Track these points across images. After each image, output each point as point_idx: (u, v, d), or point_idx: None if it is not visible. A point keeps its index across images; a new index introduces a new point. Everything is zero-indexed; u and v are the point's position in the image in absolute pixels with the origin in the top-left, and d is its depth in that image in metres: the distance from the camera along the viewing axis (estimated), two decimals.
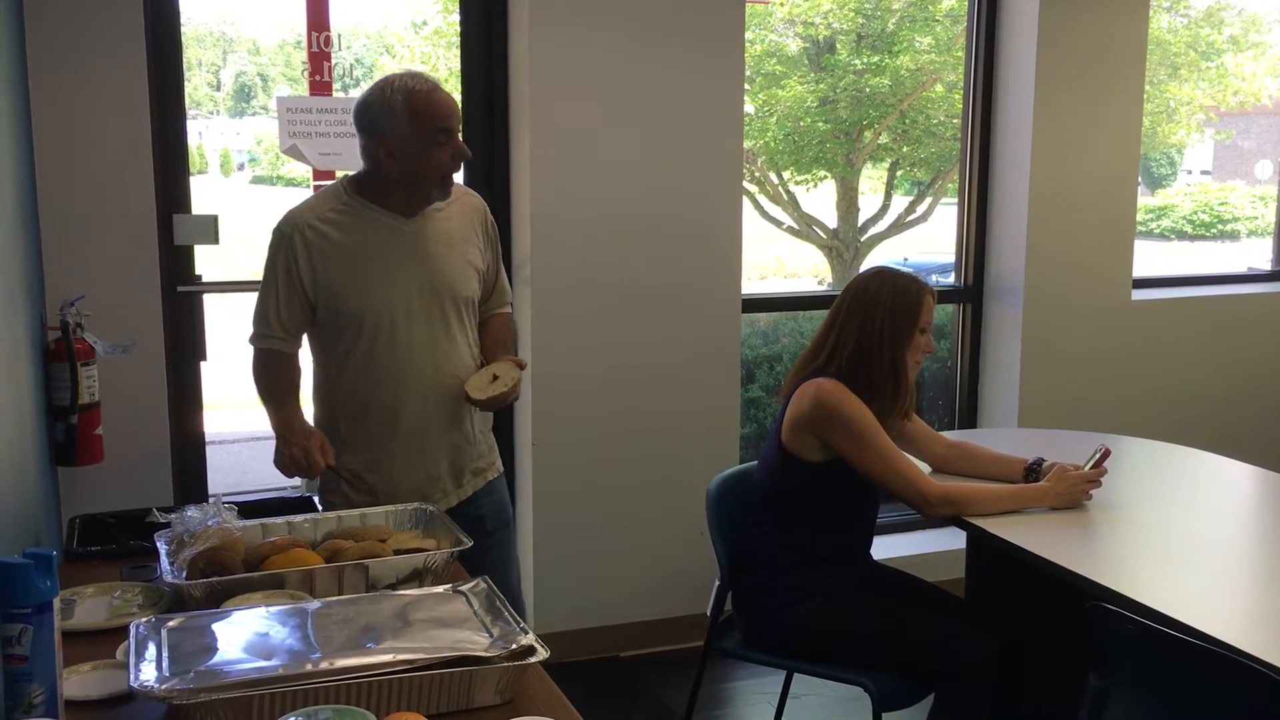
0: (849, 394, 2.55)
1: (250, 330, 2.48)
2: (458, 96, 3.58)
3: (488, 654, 1.52)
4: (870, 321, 2.59)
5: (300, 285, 2.40)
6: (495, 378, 2.47)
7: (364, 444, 2.47)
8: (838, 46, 8.44)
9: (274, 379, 2.47)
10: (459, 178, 2.49)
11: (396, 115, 2.33)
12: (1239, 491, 2.95)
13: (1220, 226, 14.13)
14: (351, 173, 2.54)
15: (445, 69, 8.43)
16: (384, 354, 2.42)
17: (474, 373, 2.50)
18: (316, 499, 2.52)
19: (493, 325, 2.63)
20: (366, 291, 2.39)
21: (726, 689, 3.56)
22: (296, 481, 2.67)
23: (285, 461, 2.41)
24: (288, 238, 2.39)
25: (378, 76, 2.44)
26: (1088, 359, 4.32)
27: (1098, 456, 2.61)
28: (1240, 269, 5.27)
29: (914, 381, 2.69)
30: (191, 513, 1.93)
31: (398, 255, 2.42)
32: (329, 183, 2.58)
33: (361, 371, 2.43)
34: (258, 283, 2.48)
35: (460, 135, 2.42)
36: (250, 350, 2.49)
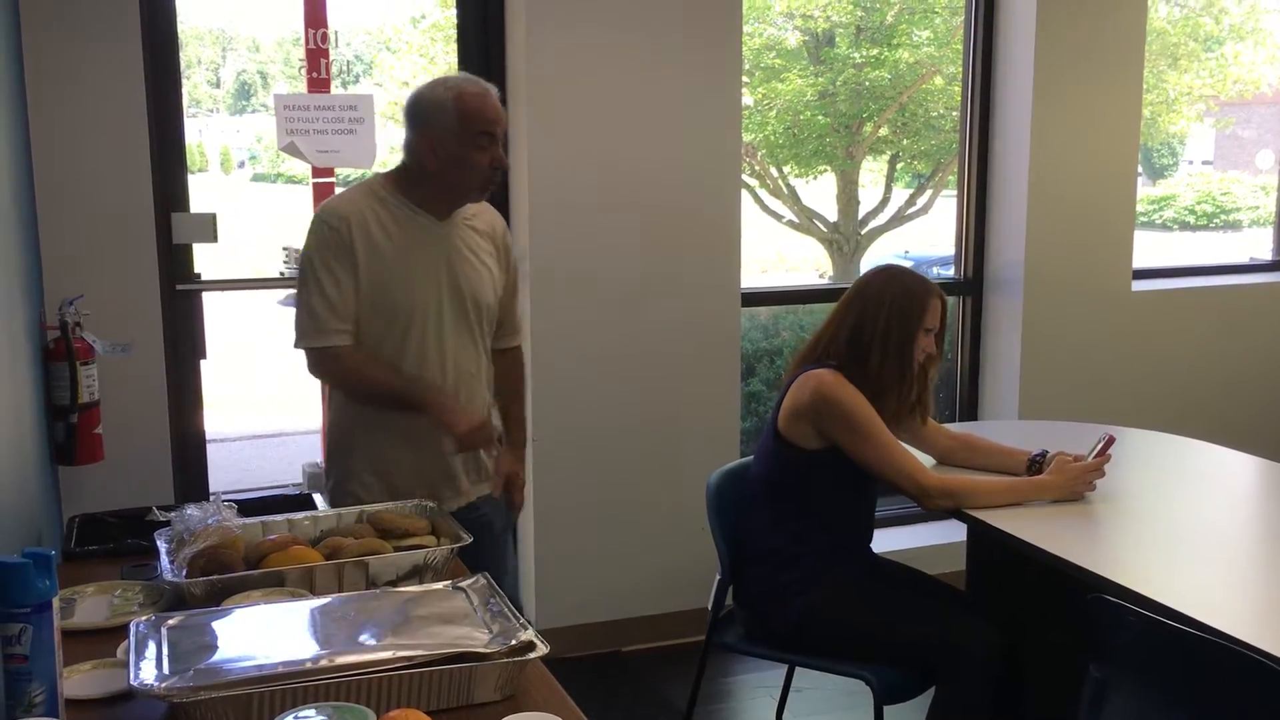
0: (848, 385, 2.55)
1: (303, 334, 2.37)
2: None
3: (488, 650, 1.52)
4: (871, 318, 2.59)
5: (355, 276, 2.38)
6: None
7: (385, 438, 2.46)
8: (837, 40, 8.42)
9: (371, 365, 2.40)
10: None
11: (445, 111, 2.36)
12: (1240, 482, 2.95)
13: (1223, 217, 14.12)
14: (385, 170, 2.53)
15: (444, 63, 8.43)
16: (415, 351, 2.43)
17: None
18: (321, 498, 2.52)
19: (507, 362, 2.66)
20: (408, 288, 2.40)
21: (728, 683, 3.56)
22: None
23: (470, 434, 2.38)
24: (337, 230, 2.37)
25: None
26: (1088, 350, 4.31)
27: (1101, 445, 2.60)
28: (1242, 259, 5.26)
29: (928, 382, 2.68)
30: (191, 511, 1.93)
31: (433, 255, 2.44)
32: (359, 182, 2.55)
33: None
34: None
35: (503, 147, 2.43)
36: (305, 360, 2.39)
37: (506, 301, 2.62)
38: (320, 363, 2.41)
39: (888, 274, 2.67)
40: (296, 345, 2.41)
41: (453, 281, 2.45)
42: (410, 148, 2.42)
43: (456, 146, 2.37)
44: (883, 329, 2.58)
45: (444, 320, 2.44)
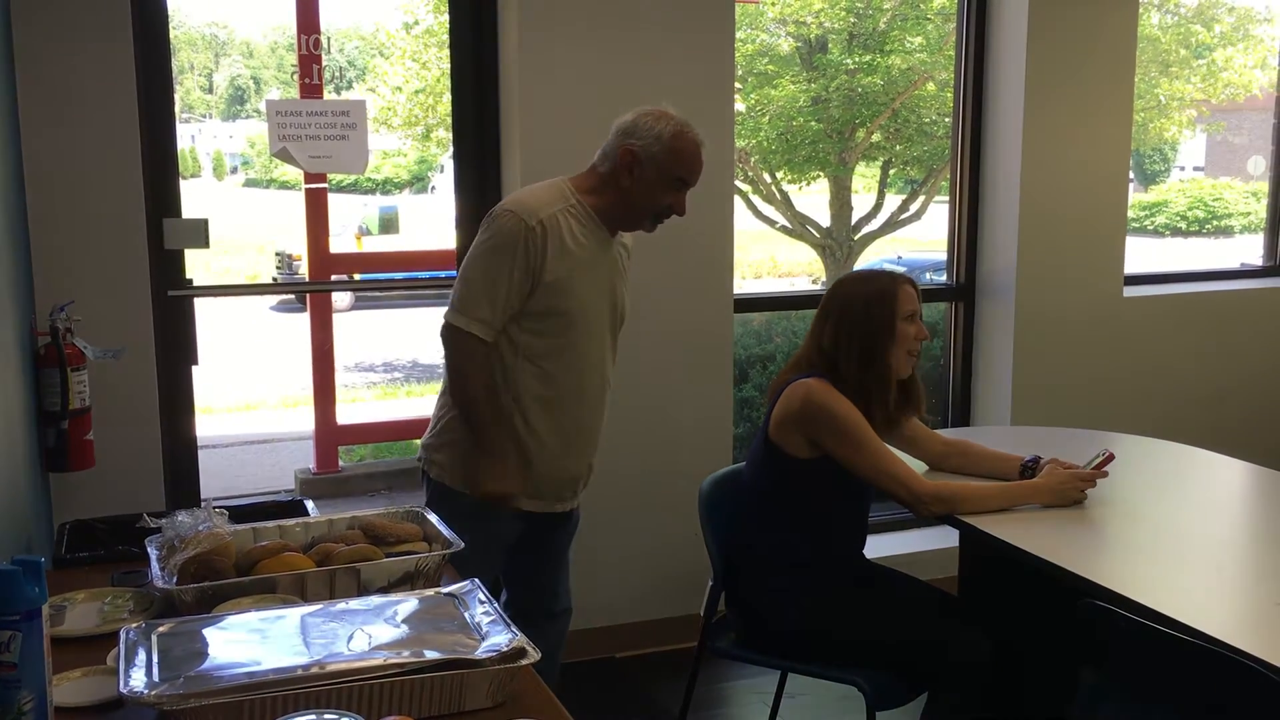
0: (837, 394, 2.55)
1: (456, 308, 2.45)
2: (448, 96, 3.56)
3: (479, 657, 1.51)
4: (849, 321, 2.59)
5: (532, 276, 2.44)
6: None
7: (528, 435, 2.54)
8: (829, 46, 8.45)
9: (488, 380, 2.49)
10: None
11: (659, 141, 2.48)
12: (1232, 488, 2.96)
13: (1215, 222, 14.17)
14: (569, 176, 2.60)
15: (437, 68, 8.44)
16: (576, 354, 2.54)
17: None
18: (310, 507, 2.51)
19: None
20: (582, 295, 2.50)
21: (721, 689, 3.56)
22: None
23: (498, 494, 2.52)
24: (530, 228, 2.43)
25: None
26: (1080, 356, 4.32)
27: (1099, 460, 2.59)
28: (1234, 265, 5.28)
29: (915, 375, 2.68)
30: (182, 517, 1.92)
31: (604, 267, 2.56)
32: (547, 181, 2.61)
33: (551, 366, 2.53)
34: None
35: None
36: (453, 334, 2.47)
37: None
38: (456, 339, 2.47)
39: (854, 277, 2.75)
40: (446, 316, 2.48)
41: (611, 295, 2.59)
42: (609, 156, 2.52)
43: (653, 175, 2.49)
44: (862, 332, 2.58)
45: (602, 329, 2.58)
